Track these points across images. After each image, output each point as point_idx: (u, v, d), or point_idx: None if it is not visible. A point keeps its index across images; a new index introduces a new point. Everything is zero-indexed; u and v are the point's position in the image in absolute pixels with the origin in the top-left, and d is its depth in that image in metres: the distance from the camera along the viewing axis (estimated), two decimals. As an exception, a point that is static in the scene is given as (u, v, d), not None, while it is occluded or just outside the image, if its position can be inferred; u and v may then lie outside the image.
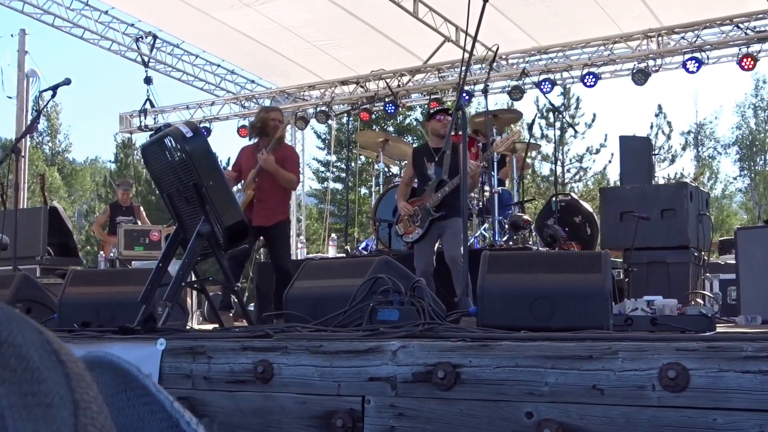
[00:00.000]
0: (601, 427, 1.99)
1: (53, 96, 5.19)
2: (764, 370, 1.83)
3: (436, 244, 5.20)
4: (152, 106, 10.79)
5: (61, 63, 48.29)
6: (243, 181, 5.33)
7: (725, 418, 1.85)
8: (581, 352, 2.05)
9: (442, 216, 5.03)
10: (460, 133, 4.18)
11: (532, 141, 7.46)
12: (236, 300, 4.75)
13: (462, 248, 4.64)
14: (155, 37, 10.55)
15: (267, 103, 11.53)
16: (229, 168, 5.77)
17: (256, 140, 5.45)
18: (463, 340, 2.31)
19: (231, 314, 4.99)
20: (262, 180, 5.20)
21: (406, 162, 6.17)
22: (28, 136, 9.62)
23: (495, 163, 6.40)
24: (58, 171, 28.83)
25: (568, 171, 22.74)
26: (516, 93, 9.54)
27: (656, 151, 22.18)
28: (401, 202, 5.32)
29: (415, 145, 6.52)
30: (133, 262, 6.68)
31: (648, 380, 1.94)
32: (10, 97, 10.80)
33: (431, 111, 5.48)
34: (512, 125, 6.28)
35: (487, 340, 2.26)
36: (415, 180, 5.53)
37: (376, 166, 7.84)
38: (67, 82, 4.99)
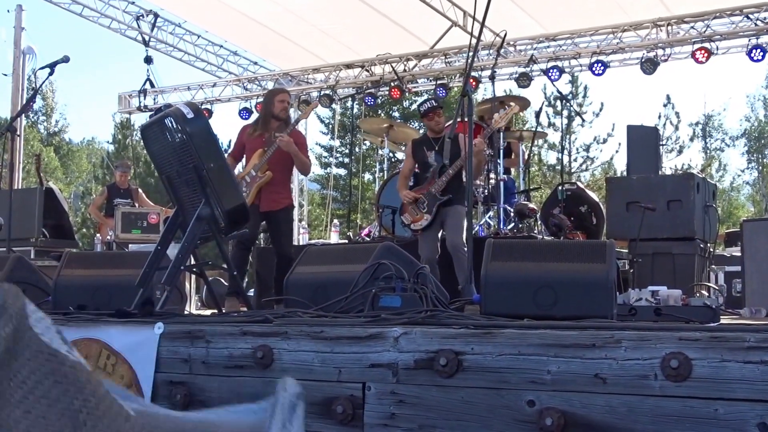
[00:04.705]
0: (603, 416, 1.96)
1: (51, 74, 5.09)
2: (766, 361, 1.80)
3: (440, 232, 5.17)
4: (152, 86, 10.65)
5: (59, 40, 47.54)
6: (244, 161, 5.17)
7: (727, 408, 1.83)
8: (584, 341, 2.02)
9: (448, 201, 5.03)
10: (466, 119, 4.13)
11: (539, 129, 7.36)
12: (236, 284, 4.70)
13: (464, 235, 4.63)
14: (156, 15, 10.37)
15: (270, 85, 11.41)
16: (228, 151, 5.63)
17: (257, 122, 5.35)
18: (465, 327, 2.28)
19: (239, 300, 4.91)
20: (272, 164, 5.08)
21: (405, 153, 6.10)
22: (23, 114, 9.48)
23: (501, 151, 6.34)
24: (54, 151, 28.19)
25: (575, 160, 22.61)
26: (523, 80, 9.46)
27: (664, 142, 22.02)
28: (403, 191, 5.29)
29: (415, 137, 6.44)
30: (130, 246, 6.60)
31: (650, 369, 1.92)
32: (5, 75, 10.66)
33: (421, 110, 5.40)
34: (512, 104, 6.13)
35: (489, 328, 2.23)
36: (416, 168, 5.49)
37: (380, 152, 7.80)
38: (65, 59, 4.88)
